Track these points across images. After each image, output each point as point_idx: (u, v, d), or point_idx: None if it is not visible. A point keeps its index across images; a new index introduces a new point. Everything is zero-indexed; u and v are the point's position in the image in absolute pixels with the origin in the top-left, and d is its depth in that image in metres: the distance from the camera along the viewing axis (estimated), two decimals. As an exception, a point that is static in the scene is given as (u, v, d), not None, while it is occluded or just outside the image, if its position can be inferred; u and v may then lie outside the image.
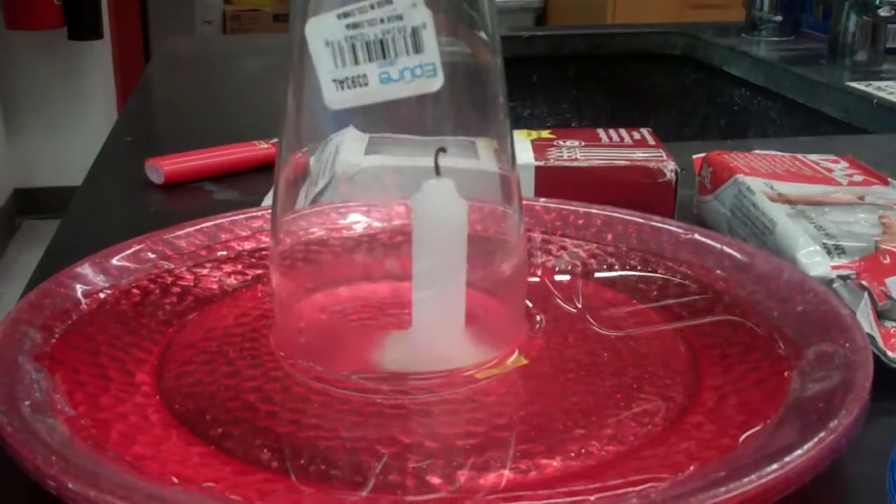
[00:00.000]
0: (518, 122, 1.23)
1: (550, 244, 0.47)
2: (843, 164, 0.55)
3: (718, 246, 0.44)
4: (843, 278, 0.41)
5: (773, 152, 0.56)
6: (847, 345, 0.34)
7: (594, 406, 0.34)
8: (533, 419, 0.34)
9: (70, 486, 0.27)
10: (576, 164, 0.52)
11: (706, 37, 1.24)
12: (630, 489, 0.29)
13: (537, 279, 0.44)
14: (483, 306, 0.37)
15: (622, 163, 0.52)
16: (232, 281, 0.44)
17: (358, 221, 0.42)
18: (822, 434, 0.29)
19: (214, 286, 0.43)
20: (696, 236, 0.45)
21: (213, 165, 0.65)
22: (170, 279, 0.43)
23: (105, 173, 0.69)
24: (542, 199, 0.49)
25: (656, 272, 0.44)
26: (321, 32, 0.33)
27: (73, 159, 2.51)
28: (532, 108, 1.26)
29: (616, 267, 0.45)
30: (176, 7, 3.56)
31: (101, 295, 0.41)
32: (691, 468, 0.30)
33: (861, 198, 0.49)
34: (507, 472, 0.30)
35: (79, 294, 0.40)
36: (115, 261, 0.43)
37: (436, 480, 0.30)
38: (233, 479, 0.30)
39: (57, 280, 0.40)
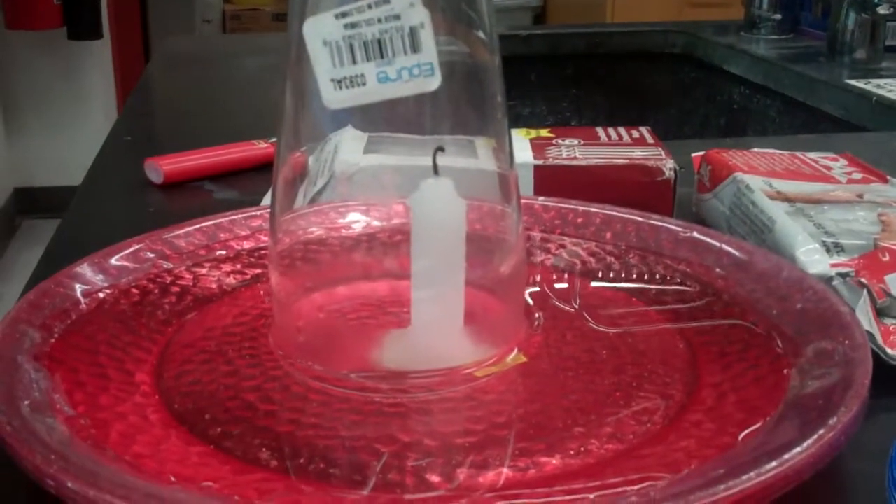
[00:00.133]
0: (517, 121, 1.23)
1: (549, 243, 0.47)
2: (842, 161, 0.55)
3: (717, 244, 0.44)
4: (843, 276, 0.41)
5: (772, 150, 0.56)
6: (846, 342, 0.34)
7: (593, 404, 0.34)
8: (532, 417, 0.34)
9: (69, 485, 0.27)
10: (575, 162, 0.52)
11: (705, 35, 1.24)
12: (629, 487, 0.29)
13: (536, 278, 0.44)
14: (482, 305, 0.37)
15: (621, 161, 0.52)
16: (231, 280, 0.44)
17: (357, 221, 0.42)
18: (821, 431, 0.29)
19: (213, 286, 0.43)
20: (695, 234, 0.45)
21: (213, 165, 0.65)
22: (169, 279, 0.43)
23: (105, 173, 0.69)
24: (542, 198, 0.49)
25: (655, 270, 0.44)
26: (319, 32, 0.33)
27: (73, 159, 2.51)
28: (531, 107, 1.26)
29: (615, 265, 0.45)
30: (175, 6, 3.56)
31: (101, 294, 0.41)
32: (691, 466, 0.30)
33: (860, 195, 0.49)
34: (506, 471, 0.31)
35: (78, 294, 0.40)
36: (114, 260, 0.43)
37: (435, 479, 0.30)
38: (232, 479, 0.30)
39: (56, 280, 0.40)
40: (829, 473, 0.30)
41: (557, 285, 0.43)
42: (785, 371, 0.35)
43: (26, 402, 0.32)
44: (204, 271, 0.44)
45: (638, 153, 0.53)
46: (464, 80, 0.36)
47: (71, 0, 2.75)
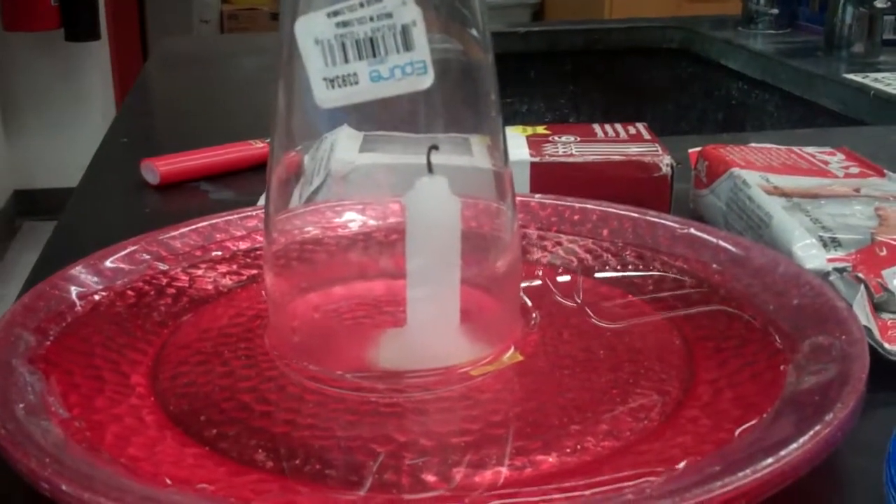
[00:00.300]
0: (515, 118, 1.23)
1: (546, 240, 0.47)
2: (839, 156, 0.55)
3: (714, 240, 0.44)
4: (840, 271, 0.41)
5: (768, 145, 0.56)
6: (843, 337, 0.34)
7: (590, 401, 0.34)
8: (528, 415, 0.34)
9: (64, 488, 0.27)
10: (571, 159, 0.52)
11: (703, 30, 1.23)
12: (626, 484, 0.29)
13: (533, 275, 0.44)
14: (478, 303, 0.37)
15: (618, 158, 0.52)
16: (227, 281, 0.44)
17: (353, 220, 0.42)
18: (817, 427, 0.29)
19: (209, 286, 0.43)
20: (692, 230, 0.45)
21: (209, 165, 0.65)
22: (164, 280, 0.43)
23: (101, 174, 0.69)
24: (538, 195, 0.49)
25: (652, 267, 0.44)
26: (311, 31, 0.33)
27: (73, 160, 2.50)
28: (529, 104, 1.26)
29: (612, 262, 0.45)
30: (173, 7, 3.56)
31: (96, 297, 0.41)
32: (687, 462, 0.30)
33: (857, 190, 0.49)
34: (503, 469, 0.30)
35: (73, 296, 0.40)
36: (109, 262, 0.43)
37: (431, 478, 0.30)
38: (227, 480, 0.30)
39: (51, 282, 0.40)
40: (826, 469, 0.30)
41: (554, 283, 0.43)
42: (781, 367, 0.35)
43: (21, 405, 0.32)
44: (200, 272, 0.44)
45: (634, 149, 0.52)
46: (457, 78, 0.36)
47: (68, 1, 2.75)
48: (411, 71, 0.33)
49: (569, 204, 0.48)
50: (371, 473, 0.30)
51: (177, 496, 0.29)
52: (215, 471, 0.30)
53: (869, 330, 0.37)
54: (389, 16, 0.32)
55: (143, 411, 0.34)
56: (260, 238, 0.46)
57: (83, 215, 0.61)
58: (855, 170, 0.52)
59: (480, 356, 0.36)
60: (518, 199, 0.44)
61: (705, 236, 0.44)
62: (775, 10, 1.20)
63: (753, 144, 0.57)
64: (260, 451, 0.31)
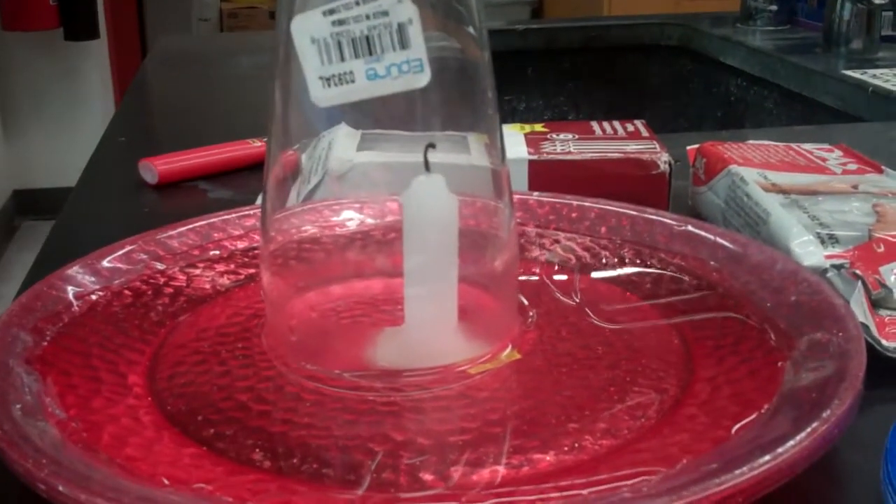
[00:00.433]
0: (514, 116, 1.23)
1: (544, 238, 0.47)
2: (837, 152, 0.55)
3: (712, 237, 0.44)
4: (837, 267, 0.41)
5: (766, 142, 0.56)
6: (840, 334, 0.34)
7: (588, 400, 0.34)
8: (526, 414, 0.34)
9: (61, 488, 0.27)
10: (569, 157, 0.52)
11: (702, 27, 1.23)
12: (623, 482, 0.29)
13: (531, 273, 0.44)
14: (475, 301, 0.37)
15: (616, 155, 0.52)
16: (225, 281, 0.44)
17: (350, 219, 0.42)
18: (815, 424, 0.29)
19: (207, 286, 0.43)
20: (690, 228, 0.45)
21: (207, 164, 0.65)
22: (162, 280, 0.43)
23: (99, 173, 0.69)
24: (536, 193, 0.49)
25: (650, 265, 0.44)
26: (307, 29, 0.33)
27: (72, 160, 2.50)
28: (528, 102, 1.26)
29: (610, 260, 0.45)
30: (172, 5, 3.56)
31: (93, 297, 0.41)
32: (684, 461, 0.30)
33: (855, 186, 0.49)
34: (500, 468, 0.30)
35: (70, 296, 0.40)
36: (106, 262, 0.43)
37: (429, 477, 0.30)
38: (225, 480, 0.30)
39: (48, 282, 0.40)
40: (824, 466, 0.30)
41: (552, 281, 0.43)
42: (779, 364, 0.34)
43: (18, 406, 0.32)
44: (197, 272, 0.44)
45: (632, 147, 0.52)
46: (454, 77, 0.36)
47: (67, 0, 2.74)
48: (408, 69, 0.33)
49: (567, 201, 0.48)
50: (369, 472, 0.30)
51: (174, 496, 0.29)
52: (213, 471, 0.30)
53: (866, 326, 0.37)
54: (385, 14, 0.32)
55: (140, 411, 0.34)
56: (257, 237, 0.46)
57: (81, 215, 0.61)
58: (853, 166, 0.52)
59: (478, 354, 0.36)
60: (516, 196, 0.44)
61: (703, 233, 0.44)
62: (774, 7, 1.20)
63: (752, 141, 0.57)
64: (257, 450, 0.31)
